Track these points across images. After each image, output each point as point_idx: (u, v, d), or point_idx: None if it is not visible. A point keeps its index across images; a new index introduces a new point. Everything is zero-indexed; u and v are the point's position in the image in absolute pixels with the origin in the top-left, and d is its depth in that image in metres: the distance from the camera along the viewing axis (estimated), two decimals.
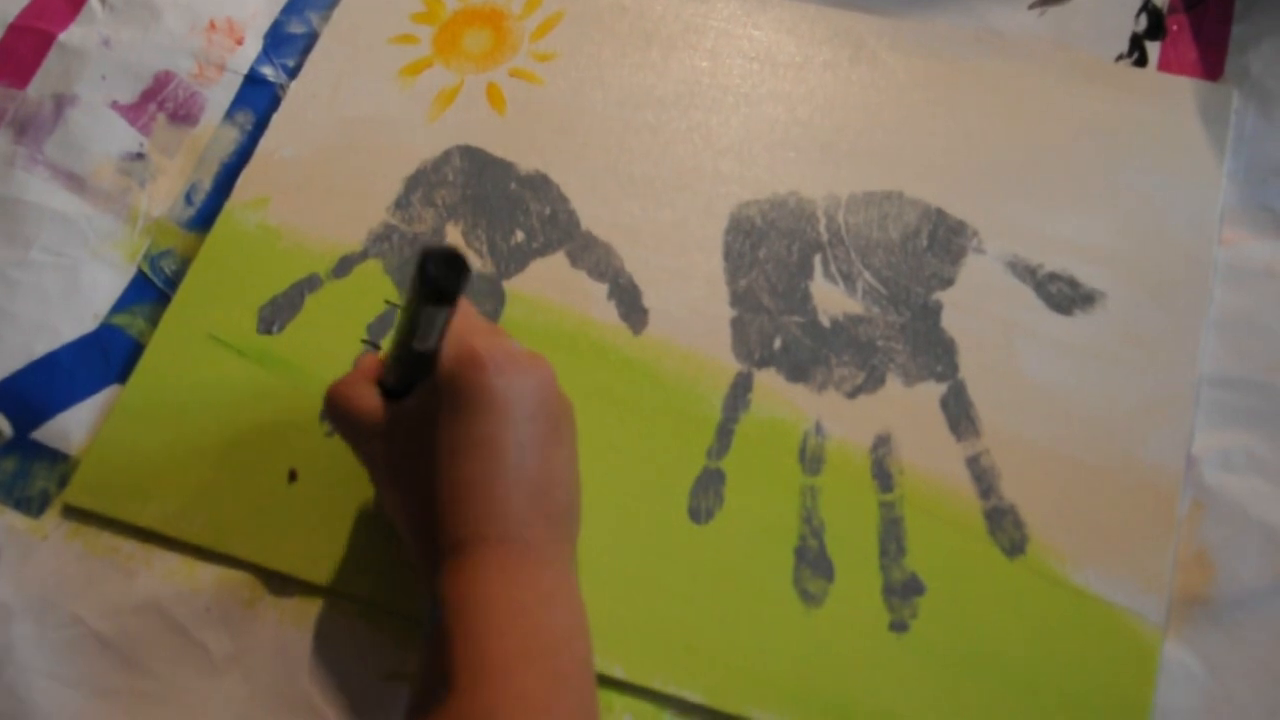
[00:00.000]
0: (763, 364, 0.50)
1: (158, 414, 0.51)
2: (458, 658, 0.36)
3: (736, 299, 0.52)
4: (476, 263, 0.54)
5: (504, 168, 0.56)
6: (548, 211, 0.55)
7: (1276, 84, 0.54)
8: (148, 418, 0.51)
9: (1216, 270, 0.51)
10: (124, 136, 0.59)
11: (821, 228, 0.53)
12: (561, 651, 0.37)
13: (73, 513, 0.50)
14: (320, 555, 0.48)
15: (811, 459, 0.48)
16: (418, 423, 0.40)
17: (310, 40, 0.62)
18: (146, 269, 0.56)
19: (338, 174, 0.57)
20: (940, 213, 0.53)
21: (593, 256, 0.54)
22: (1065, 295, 0.51)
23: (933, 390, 0.49)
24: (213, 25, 0.62)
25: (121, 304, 0.55)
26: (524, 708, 0.35)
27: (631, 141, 0.57)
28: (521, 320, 0.52)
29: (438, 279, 0.35)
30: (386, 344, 0.52)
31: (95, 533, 0.49)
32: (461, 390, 0.39)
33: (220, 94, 0.60)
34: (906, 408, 0.49)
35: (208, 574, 0.48)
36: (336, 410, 0.43)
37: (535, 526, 0.39)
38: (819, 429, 0.49)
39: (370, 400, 0.42)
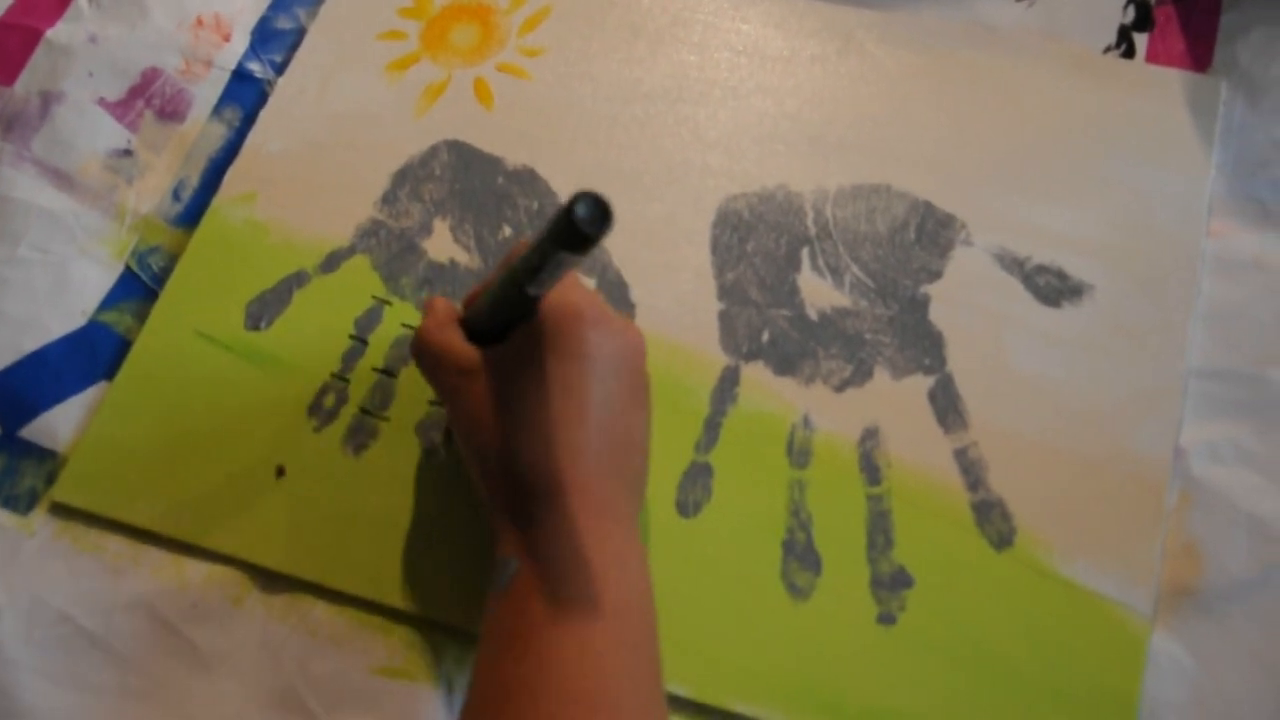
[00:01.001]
0: (750, 357, 0.50)
1: (145, 411, 0.51)
2: (531, 613, 0.37)
3: (724, 292, 0.52)
4: (464, 257, 0.54)
5: (491, 162, 0.56)
6: (535, 206, 0.55)
7: (1265, 75, 0.54)
8: (135, 415, 0.51)
9: (1204, 262, 0.51)
10: (111, 133, 0.59)
11: (809, 221, 0.53)
12: (631, 615, 0.38)
13: (61, 510, 0.50)
14: (308, 551, 0.48)
15: (799, 452, 0.48)
16: (511, 367, 0.41)
17: (298, 36, 0.62)
18: (134, 266, 0.56)
19: (325, 170, 0.57)
20: (928, 205, 0.53)
21: None
22: (1053, 287, 0.51)
23: (921, 383, 0.49)
24: (200, 22, 0.62)
25: (109, 301, 0.55)
26: (595, 669, 0.36)
27: (619, 136, 0.56)
28: None
29: (584, 224, 0.34)
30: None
31: (83, 530, 0.49)
32: (556, 337, 0.40)
33: (208, 90, 0.60)
34: (894, 401, 0.49)
35: (196, 571, 0.48)
36: (429, 351, 0.43)
37: (612, 480, 0.40)
38: (807, 422, 0.49)
39: (462, 343, 0.43)
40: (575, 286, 0.42)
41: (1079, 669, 0.44)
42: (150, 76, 0.60)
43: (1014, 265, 0.51)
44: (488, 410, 0.41)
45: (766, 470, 0.48)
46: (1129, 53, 0.56)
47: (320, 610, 0.47)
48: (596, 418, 0.40)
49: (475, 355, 0.42)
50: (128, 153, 0.59)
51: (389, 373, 0.51)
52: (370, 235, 0.55)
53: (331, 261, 0.54)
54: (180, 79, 0.60)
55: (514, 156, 0.56)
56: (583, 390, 0.40)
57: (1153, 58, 0.56)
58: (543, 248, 0.37)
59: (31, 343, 0.53)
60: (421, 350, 0.44)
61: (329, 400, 0.51)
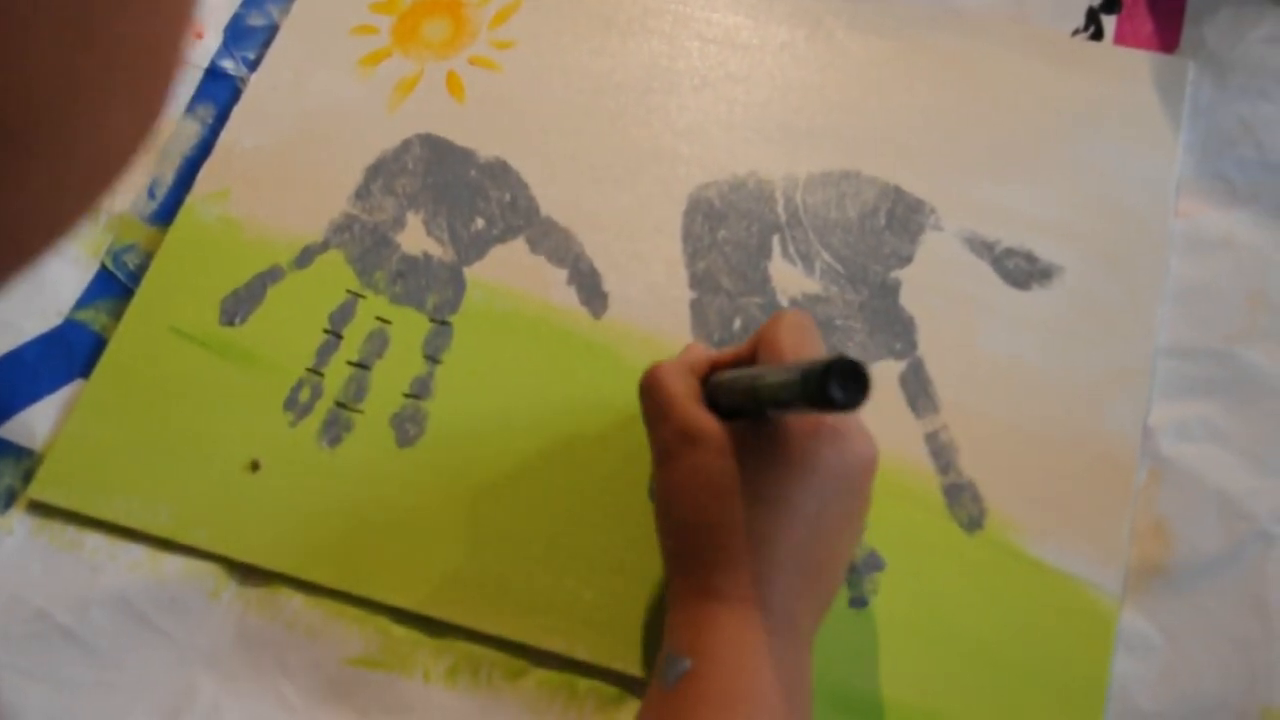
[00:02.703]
0: (722, 345, 0.51)
1: (122, 408, 0.52)
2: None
3: (696, 281, 0.52)
4: (437, 250, 0.54)
5: (464, 155, 0.56)
6: (507, 198, 0.55)
7: (1231, 54, 0.54)
8: (112, 412, 0.51)
9: (1173, 241, 0.51)
10: None
11: (780, 208, 0.54)
12: None
13: (38, 508, 0.50)
14: (283, 544, 0.48)
15: None
16: (741, 457, 0.39)
17: (270, 33, 0.62)
18: (109, 264, 0.56)
19: (298, 165, 0.57)
20: (898, 190, 0.53)
21: (552, 242, 0.54)
22: (1023, 270, 0.51)
23: (891, 368, 0.50)
24: None
25: (85, 300, 0.55)
26: None
27: (590, 126, 0.57)
28: (482, 307, 0.52)
29: (840, 400, 0.32)
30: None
31: (61, 527, 0.50)
32: (788, 443, 0.38)
33: (181, 88, 0.60)
34: None
35: (172, 565, 0.48)
36: (659, 396, 0.42)
37: (803, 601, 0.39)
38: None
39: (701, 408, 0.41)
40: None
41: (1049, 648, 0.44)
42: None
43: (983, 249, 0.52)
44: (705, 490, 0.39)
45: None
46: (1097, 35, 0.57)
47: (297, 603, 0.47)
48: (801, 536, 0.39)
49: (714, 428, 0.40)
50: None
51: (363, 366, 0.52)
52: (344, 230, 0.55)
53: (305, 256, 0.54)
54: None
55: (486, 149, 0.57)
56: (797, 505, 0.38)
57: (1121, 39, 0.56)
58: (792, 397, 0.35)
59: (7, 342, 0.53)
60: (652, 387, 0.42)
61: (304, 394, 0.51)
